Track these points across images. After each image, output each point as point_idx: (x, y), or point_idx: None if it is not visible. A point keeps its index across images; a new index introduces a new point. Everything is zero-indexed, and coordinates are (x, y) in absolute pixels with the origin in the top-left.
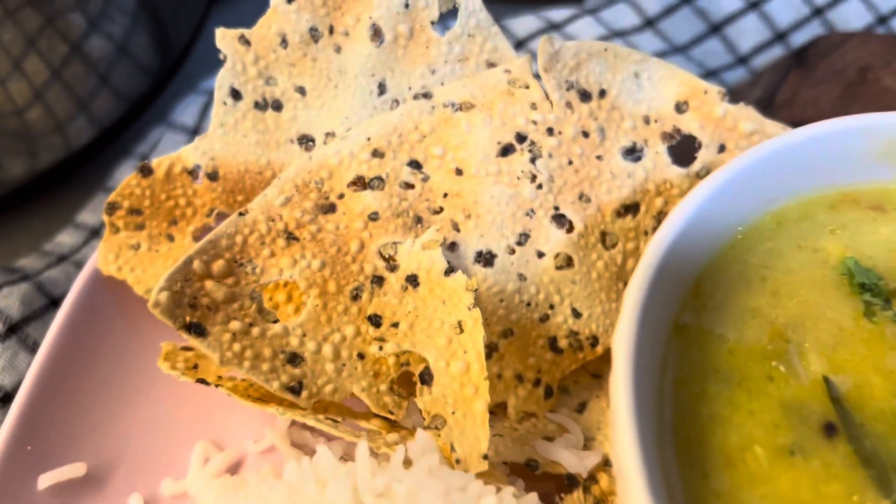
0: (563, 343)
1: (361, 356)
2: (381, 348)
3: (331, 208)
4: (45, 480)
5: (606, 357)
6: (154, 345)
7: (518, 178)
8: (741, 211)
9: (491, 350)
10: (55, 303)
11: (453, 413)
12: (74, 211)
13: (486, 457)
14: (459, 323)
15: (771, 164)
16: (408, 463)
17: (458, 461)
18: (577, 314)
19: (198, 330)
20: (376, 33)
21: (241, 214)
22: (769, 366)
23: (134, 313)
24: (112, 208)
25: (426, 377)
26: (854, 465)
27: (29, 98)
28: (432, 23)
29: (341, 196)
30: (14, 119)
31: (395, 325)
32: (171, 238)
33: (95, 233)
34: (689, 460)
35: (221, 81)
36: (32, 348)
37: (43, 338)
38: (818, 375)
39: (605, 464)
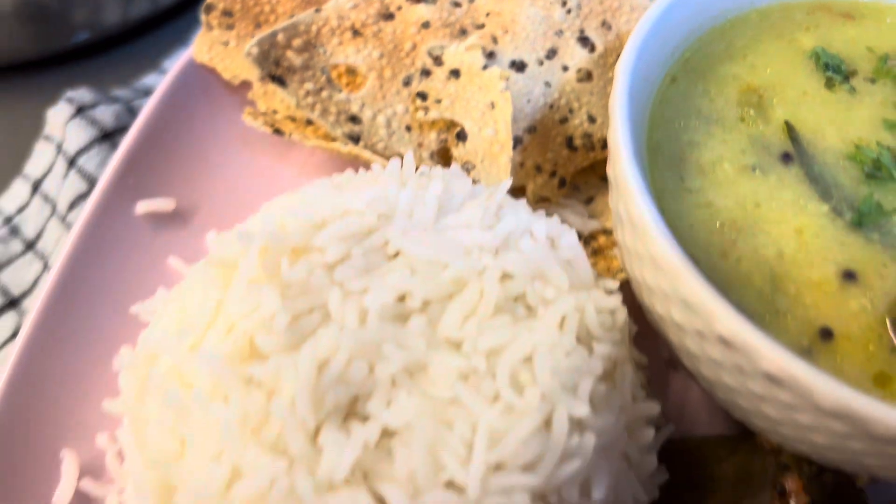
0: (578, 142)
1: (409, 129)
2: (426, 112)
3: (390, 16)
4: (142, 207)
5: None
6: (234, 120)
7: (551, 2)
8: (731, 4)
9: (516, 142)
10: None
11: (482, 161)
12: (159, 59)
13: None
14: (492, 102)
15: None
16: None
17: None
18: (592, 120)
19: (280, 80)
20: None
21: (316, 11)
22: (743, 110)
23: (219, 95)
24: (209, 9)
25: (462, 136)
26: (804, 181)
27: None
28: None
29: (399, 8)
30: None
31: (439, 101)
32: None
33: None
34: (669, 167)
35: None
36: None
37: None
38: (782, 121)
39: (604, 232)
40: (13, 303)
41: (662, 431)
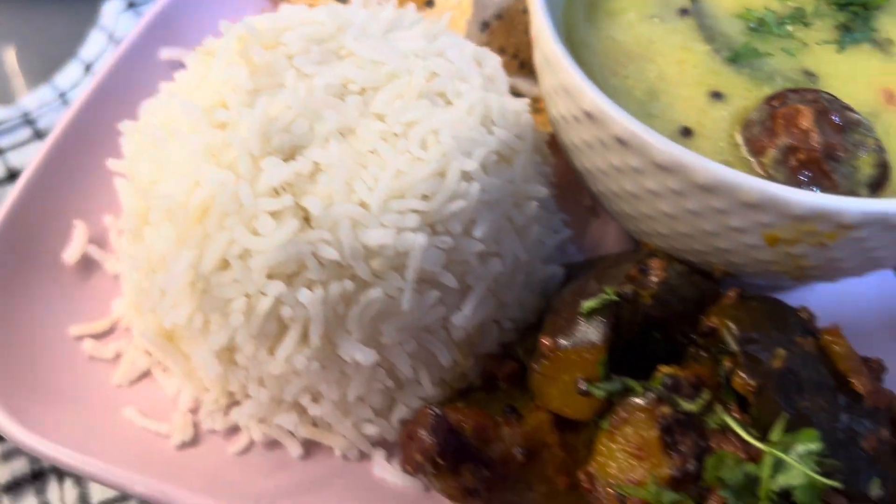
0: None
1: None
2: None
3: None
4: (165, 53)
5: None
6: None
7: None
8: None
9: (484, 26)
10: None
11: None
12: None
13: None
14: None
15: None
16: None
17: None
18: None
19: None
20: None
21: None
22: None
23: None
24: None
25: (430, 3)
26: (695, 29)
27: None
28: None
29: None
30: None
31: None
32: None
33: None
34: (581, 11)
35: None
36: None
37: None
38: None
39: None
40: None
41: (560, 234)
